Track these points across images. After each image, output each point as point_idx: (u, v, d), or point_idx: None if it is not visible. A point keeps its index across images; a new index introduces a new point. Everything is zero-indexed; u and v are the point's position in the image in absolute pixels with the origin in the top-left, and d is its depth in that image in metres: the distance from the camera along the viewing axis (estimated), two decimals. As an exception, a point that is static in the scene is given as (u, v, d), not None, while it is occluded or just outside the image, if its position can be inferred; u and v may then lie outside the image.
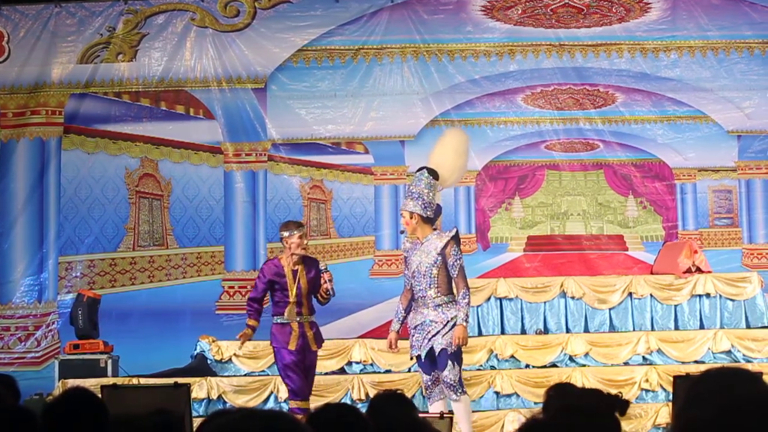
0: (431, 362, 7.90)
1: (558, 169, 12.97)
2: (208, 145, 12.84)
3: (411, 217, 7.97)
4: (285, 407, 9.08)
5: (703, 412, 2.20)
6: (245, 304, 8.78)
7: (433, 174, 8.03)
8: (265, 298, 8.63)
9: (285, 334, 8.47)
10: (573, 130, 12.77)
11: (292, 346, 8.42)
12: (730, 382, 2.84)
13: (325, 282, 8.48)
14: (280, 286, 8.49)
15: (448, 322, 7.83)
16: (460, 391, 7.85)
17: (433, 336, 7.83)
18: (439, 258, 7.89)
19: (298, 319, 8.49)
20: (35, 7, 12.82)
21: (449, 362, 7.81)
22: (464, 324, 7.82)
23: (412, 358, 8.19)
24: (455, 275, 7.90)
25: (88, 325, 10.74)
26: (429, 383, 7.93)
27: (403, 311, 8.12)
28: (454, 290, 7.96)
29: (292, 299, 8.48)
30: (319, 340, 8.65)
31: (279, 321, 8.52)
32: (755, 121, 12.57)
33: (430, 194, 7.99)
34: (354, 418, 3.30)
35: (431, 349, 7.85)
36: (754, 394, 2.56)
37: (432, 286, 7.90)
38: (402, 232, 8.25)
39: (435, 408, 7.83)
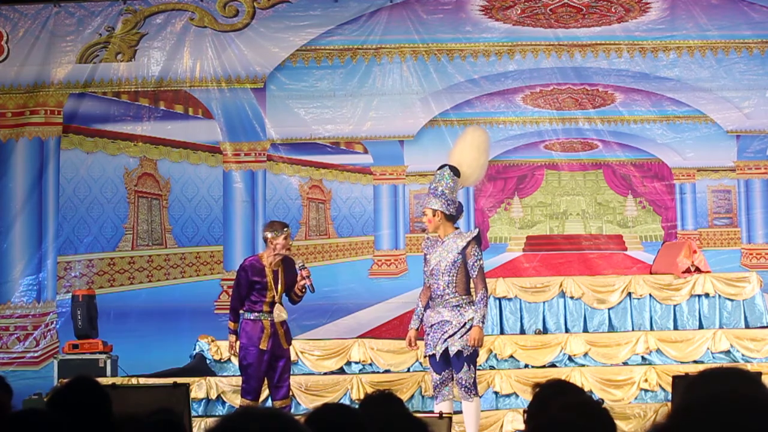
0: (444, 362, 7.86)
1: (557, 169, 12.97)
2: (207, 145, 12.83)
3: (434, 215, 7.90)
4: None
5: (697, 412, 2.20)
6: (229, 309, 8.71)
7: (455, 172, 8.00)
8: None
9: (257, 332, 8.43)
10: (572, 130, 12.77)
11: (263, 345, 8.40)
12: (727, 383, 2.83)
13: (303, 279, 8.43)
14: (261, 285, 8.45)
15: (465, 323, 7.78)
16: (473, 392, 7.83)
17: (450, 337, 7.78)
18: (460, 258, 7.85)
19: (271, 317, 8.46)
20: (34, 7, 12.81)
21: (465, 364, 7.78)
22: (480, 325, 7.79)
23: (425, 357, 8.14)
24: (474, 275, 7.84)
25: (87, 324, 10.74)
26: (438, 383, 7.88)
27: (422, 309, 8.05)
28: (472, 291, 7.92)
29: (269, 299, 8.46)
30: (289, 338, 8.64)
31: (252, 318, 8.48)
32: (754, 121, 12.57)
33: (453, 192, 7.95)
34: (352, 419, 3.30)
35: (446, 350, 7.82)
36: (751, 395, 2.55)
37: (450, 285, 7.84)
38: (424, 230, 8.20)
39: (441, 408, 7.81)
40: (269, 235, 8.47)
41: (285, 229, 8.51)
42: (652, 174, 12.85)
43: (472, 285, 7.93)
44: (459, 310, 7.81)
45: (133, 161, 12.73)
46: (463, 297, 7.86)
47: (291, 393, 8.85)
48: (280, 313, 8.47)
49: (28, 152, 12.66)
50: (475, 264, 7.85)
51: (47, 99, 12.70)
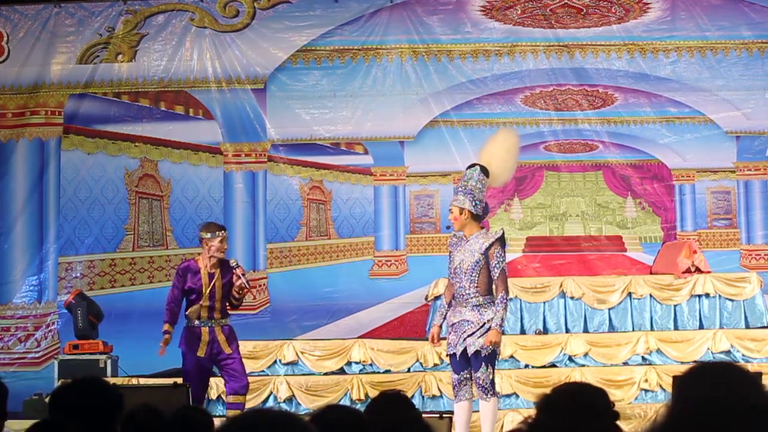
0: (464, 362, 7.85)
1: (557, 170, 12.98)
2: (208, 146, 12.84)
3: (461, 213, 7.87)
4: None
5: (691, 410, 2.20)
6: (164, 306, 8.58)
7: (485, 171, 7.99)
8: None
9: (194, 340, 8.35)
10: (572, 131, 12.78)
11: (201, 353, 8.31)
12: (721, 379, 2.84)
13: (239, 278, 8.29)
14: (196, 294, 8.34)
15: (484, 324, 7.77)
16: (490, 392, 7.82)
17: (468, 336, 7.78)
18: (482, 258, 7.82)
19: (209, 323, 8.36)
20: (34, 8, 12.82)
21: (483, 364, 7.78)
22: (498, 328, 7.76)
23: (447, 356, 8.13)
24: (496, 277, 7.80)
25: (87, 325, 10.74)
26: (457, 382, 7.85)
27: (446, 306, 8.03)
28: (494, 292, 7.92)
29: (204, 303, 8.32)
30: (233, 341, 8.46)
31: (189, 325, 8.39)
32: (754, 122, 12.57)
33: (481, 192, 7.93)
34: (355, 420, 3.30)
35: (465, 349, 7.82)
36: (744, 393, 2.56)
37: (472, 285, 7.81)
38: (449, 227, 8.15)
39: (461, 408, 7.80)
40: (206, 236, 8.37)
41: (220, 232, 8.37)
42: (651, 175, 12.86)
43: (494, 286, 7.91)
44: (479, 310, 7.78)
45: (133, 162, 12.74)
46: (485, 297, 7.83)
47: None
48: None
49: (29, 153, 12.66)
50: (497, 265, 7.80)
51: (48, 99, 12.71)
